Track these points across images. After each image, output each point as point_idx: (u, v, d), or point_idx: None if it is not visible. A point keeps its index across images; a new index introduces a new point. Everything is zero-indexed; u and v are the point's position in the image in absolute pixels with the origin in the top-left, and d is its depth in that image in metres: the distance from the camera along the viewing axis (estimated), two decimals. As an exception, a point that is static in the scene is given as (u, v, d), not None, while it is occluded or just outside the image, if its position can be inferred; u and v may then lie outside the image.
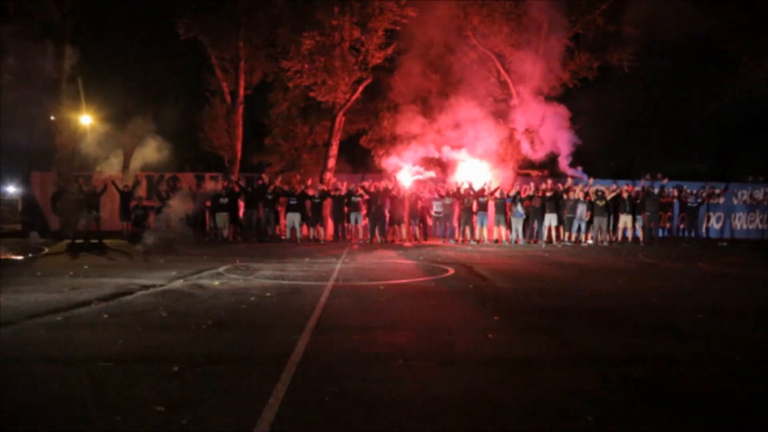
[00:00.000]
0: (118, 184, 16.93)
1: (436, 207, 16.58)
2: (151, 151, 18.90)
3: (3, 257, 10.85)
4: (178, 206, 16.05)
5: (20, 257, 10.98)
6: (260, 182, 16.74)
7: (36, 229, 16.92)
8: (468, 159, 17.85)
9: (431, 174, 17.74)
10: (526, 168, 20.00)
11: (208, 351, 4.03)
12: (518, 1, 17.33)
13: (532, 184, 17.29)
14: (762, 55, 18.33)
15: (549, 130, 17.63)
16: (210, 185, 17.20)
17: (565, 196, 16.45)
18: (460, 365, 3.79)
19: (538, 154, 18.18)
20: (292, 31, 17.71)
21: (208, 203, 16.43)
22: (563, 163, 18.07)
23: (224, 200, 16.20)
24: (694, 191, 18.02)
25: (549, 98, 17.90)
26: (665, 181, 17.78)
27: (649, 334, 4.81)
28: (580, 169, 18.29)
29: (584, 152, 18.80)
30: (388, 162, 17.90)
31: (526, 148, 18.12)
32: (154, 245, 14.82)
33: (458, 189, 16.43)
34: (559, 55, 17.99)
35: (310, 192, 16.49)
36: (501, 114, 18.35)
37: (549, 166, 19.43)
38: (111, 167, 19.74)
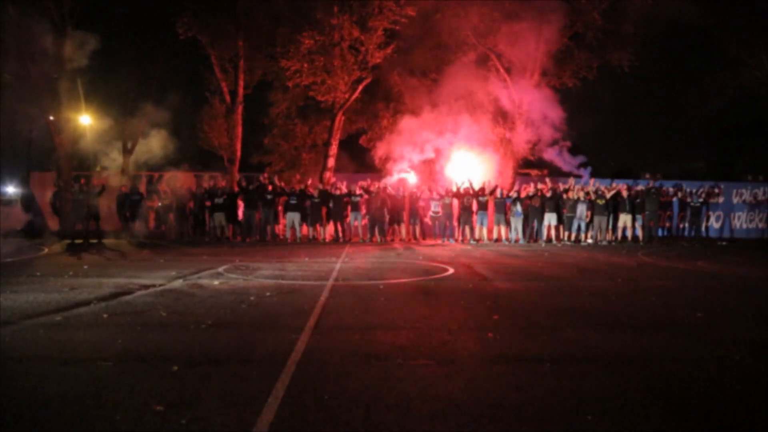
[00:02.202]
0: (116, 184, 17.07)
1: (434, 207, 16.58)
2: (150, 150, 18.94)
3: None
4: (167, 203, 16.24)
5: None
6: (256, 184, 16.83)
7: (35, 224, 17.10)
8: (466, 157, 17.86)
9: (410, 174, 17.85)
10: (525, 167, 20.01)
11: (208, 351, 4.03)
12: (518, 0, 17.34)
13: (532, 184, 17.30)
14: (761, 54, 18.34)
15: (547, 129, 17.65)
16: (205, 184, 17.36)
17: (564, 196, 16.46)
18: (459, 364, 3.78)
19: (536, 152, 18.20)
20: (292, 30, 17.70)
21: (208, 203, 16.45)
22: (561, 161, 18.06)
23: (220, 200, 16.22)
24: (694, 190, 18.05)
25: (548, 96, 17.90)
26: (672, 190, 17.80)
27: (648, 333, 4.81)
28: (582, 169, 18.29)
29: (584, 151, 18.83)
30: (382, 157, 17.93)
31: (523, 145, 18.12)
32: (144, 238, 15.07)
33: (458, 189, 16.43)
34: (559, 54, 17.99)
35: (310, 191, 16.49)
36: (500, 113, 18.36)
37: (548, 165, 19.45)
38: (112, 162, 19.79)
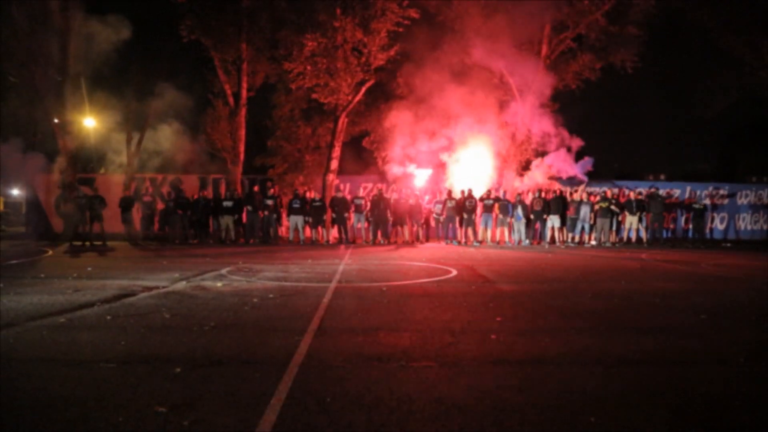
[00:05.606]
0: (120, 186, 17.17)
1: (437, 209, 16.57)
2: (154, 150, 19.01)
3: None
4: (170, 206, 16.32)
5: None
6: (256, 188, 16.95)
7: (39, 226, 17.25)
8: (469, 160, 17.84)
9: (428, 171, 17.78)
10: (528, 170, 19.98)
11: (211, 352, 4.03)
12: (521, 1, 17.32)
13: (535, 186, 17.27)
14: (766, 55, 18.29)
15: (549, 129, 17.63)
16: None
17: (568, 198, 16.43)
18: (462, 366, 3.78)
19: (539, 151, 18.19)
20: (295, 32, 17.72)
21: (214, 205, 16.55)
22: (560, 163, 18.00)
23: (229, 203, 16.26)
24: (699, 192, 18.02)
25: (552, 97, 17.89)
26: (676, 192, 17.78)
27: (651, 334, 4.79)
28: (582, 170, 18.24)
29: (587, 153, 18.78)
30: (387, 162, 17.93)
31: (527, 147, 18.10)
32: (147, 240, 15.18)
33: (461, 194, 16.41)
34: (562, 55, 17.96)
35: (311, 196, 16.56)
36: (503, 115, 18.34)
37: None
38: (117, 158, 19.87)
